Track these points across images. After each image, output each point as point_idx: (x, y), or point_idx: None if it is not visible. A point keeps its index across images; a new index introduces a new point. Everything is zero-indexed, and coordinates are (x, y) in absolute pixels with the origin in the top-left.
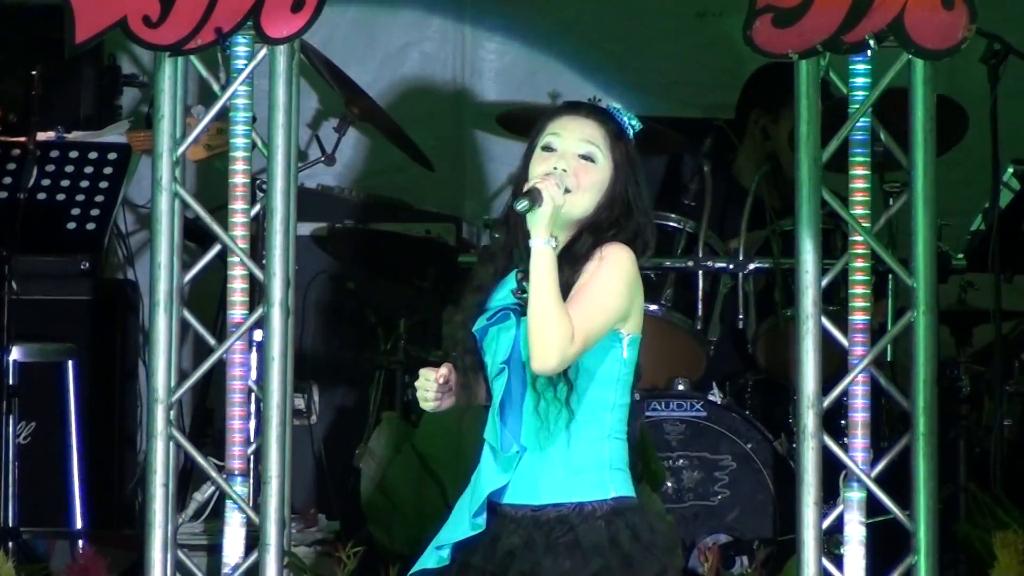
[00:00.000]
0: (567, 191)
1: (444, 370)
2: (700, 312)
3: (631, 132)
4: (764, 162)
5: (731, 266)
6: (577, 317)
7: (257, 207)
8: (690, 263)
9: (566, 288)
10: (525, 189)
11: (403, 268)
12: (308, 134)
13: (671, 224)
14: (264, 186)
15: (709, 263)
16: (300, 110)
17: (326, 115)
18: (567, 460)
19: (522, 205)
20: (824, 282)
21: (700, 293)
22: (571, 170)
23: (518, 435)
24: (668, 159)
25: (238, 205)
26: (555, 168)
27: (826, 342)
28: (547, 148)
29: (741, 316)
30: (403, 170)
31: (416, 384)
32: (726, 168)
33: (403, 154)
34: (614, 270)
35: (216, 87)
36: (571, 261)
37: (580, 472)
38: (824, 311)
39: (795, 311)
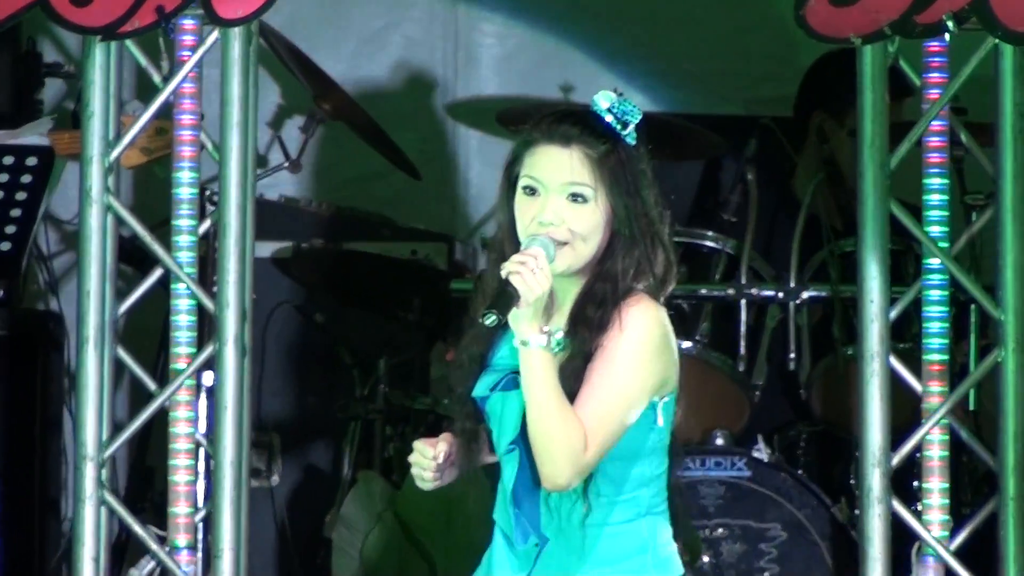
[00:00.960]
0: (562, 244)
1: (444, 445)
2: (743, 350)
3: (630, 129)
4: (820, 169)
5: (780, 294)
6: (591, 419)
7: (207, 223)
8: (731, 291)
9: (582, 361)
10: (497, 281)
11: (383, 297)
12: (269, 135)
13: (708, 244)
14: (215, 198)
15: (754, 291)
16: (259, 106)
17: (290, 112)
18: (599, 549)
19: (490, 320)
20: (893, 314)
21: (743, 327)
22: (560, 218)
23: (537, 524)
24: (704, 165)
25: (184, 221)
26: (540, 224)
27: (896, 386)
28: (528, 189)
29: (792, 355)
30: (383, 178)
31: (411, 460)
32: (776, 176)
33: (383, 159)
34: (635, 341)
35: (157, 78)
36: (585, 326)
37: (616, 561)
38: (893, 349)
39: (858, 349)
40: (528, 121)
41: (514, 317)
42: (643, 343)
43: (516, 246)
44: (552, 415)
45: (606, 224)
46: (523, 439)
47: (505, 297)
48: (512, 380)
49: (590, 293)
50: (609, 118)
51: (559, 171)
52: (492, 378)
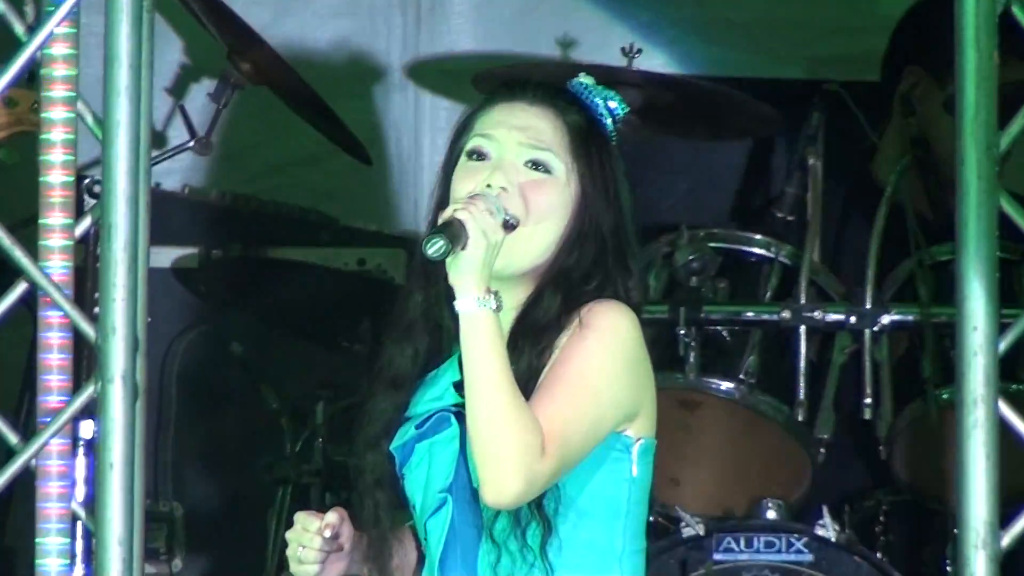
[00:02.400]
0: (511, 223)
1: (332, 517)
2: (802, 394)
3: (609, 121)
4: (906, 151)
5: (853, 319)
6: (551, 418)
7: (86, 222)
8: (786, 314)
9: (529, 377)
10: (440, 221)
11: (321, 321)
12: (169, 104)
13: (755, 251)
14: (97, 188)
15: (817, 314)
16: (156, 66)
17: (197, 75)
18: None
19: (435, 247)
20: (1003, 346)
21: (802, 363)
22: (515, 187)
23: None
24: (751, 146)
25: (55, 219)
26: (488, 187)
27: (1007, 441)
28: (475, 154)
29: (868, 400)
30: (321, 163)
31: (288, 537)
32: (847, 161)
33: (321, 137)
34: (606, 339)
35: (19, 28)
36: (533, 334)
37: None
38: (1003, 392)
39: (956, 392)
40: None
41: (456, 268)
42: (615, 342)
43: None
44: (502, 403)
45: (570, 214)
46: (454, 490)
47: (450, 230)
48: (441, 420)
49: (539, 296)
50: (589, 96)
51: (518, 124)
52: (414, 422)
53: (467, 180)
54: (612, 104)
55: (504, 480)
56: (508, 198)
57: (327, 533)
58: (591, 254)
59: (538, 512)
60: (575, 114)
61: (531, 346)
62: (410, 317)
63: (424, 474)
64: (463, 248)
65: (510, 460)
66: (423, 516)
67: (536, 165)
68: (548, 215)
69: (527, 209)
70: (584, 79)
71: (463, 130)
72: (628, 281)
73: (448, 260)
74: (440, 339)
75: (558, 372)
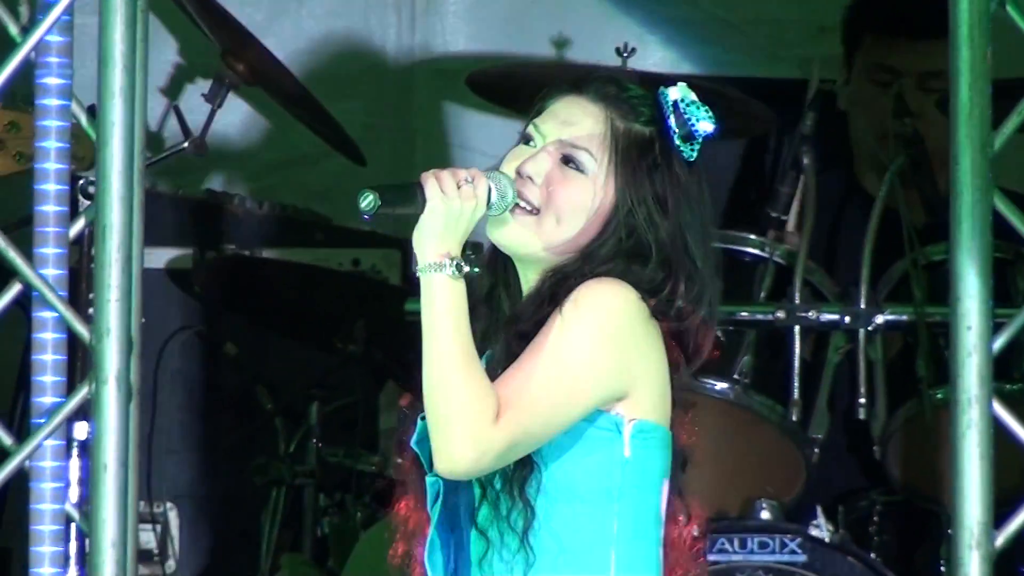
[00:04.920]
0: (524, 208)
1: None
2: (796, 394)
3: (682, 137)
4: (900, 150)
5: (847, 318)
6: (509, 386)
7: (80, 223)
8: (781, 314)
9: (507, 359)
10: (401, 182)
11: (316, 322)
12: (163, 105)
13: (749, 251)
14: (92, 189)
15: (811, 314)
16: (151, 67)
17: (192, 75)
18: None
19: (365, 200)
20: (997, 345)
21: (797, 363)
22: (541, 178)
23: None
24: (745, 145)
25: (49, 220)
26: (518, 175)
27: (1001, 441)
28: (524, 139)
29: (863, 400)
30: (317, 164)
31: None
32: (841, 161)
33: (317, 138)
34: (587, 314)
35: (13, 29)
36: (515, 317)
37: None
38: (997, 392)
39: (950, 391)
40: (510, 89)
41: (416, 231)
42: (599, 317)
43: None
44: (451, 368)
45: (598, 216)
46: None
47: (401, 189)
48: None
49: (552, 269)
50: (670, 113)
51: (563, 123)
52: None
53: (510, 161)
54: (702, 125)
55: (453, 447)
56: (530, 187)
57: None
58: (610, 257)
59: (520, 495)
60: (637, 123)
61: (509, 328)
62: (475, 299)
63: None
64: (418, 210)
65: (458, 426)
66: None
67: (568, 161)
68: (566, 211)
69: (547, 201)
70: (682, 91)
71: (534, 113)
72: (690, 294)
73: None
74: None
75: (531, 347)
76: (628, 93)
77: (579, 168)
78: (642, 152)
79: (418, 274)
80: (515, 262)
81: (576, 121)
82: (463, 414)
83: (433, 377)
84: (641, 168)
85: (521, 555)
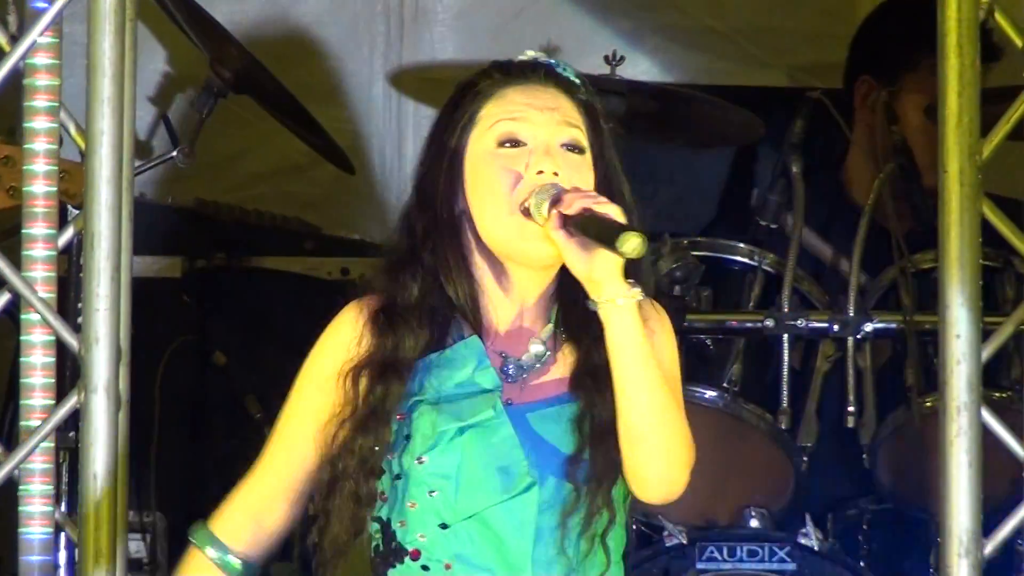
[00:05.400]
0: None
1: None
2: (785, 402)
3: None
4: (888, 160)
5: (836, 327)
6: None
7: (69, 232)
8: (769, 322)
9: (596, 367)
10: (607, 216)
11: (305, 331)
12: (151, 113)
13: (738, 260)
14: (80, 198)
15: (800, 322)
16: (139, 75)
17: (181, 83)
18: None
19: (641, 245)
20: (986, 353)
21: (785, 371)
22: (562, 171)
23: None
24: (734, 154)
25: (38, 229)
26: (540, 172)
27: (990, 449)
28: (508, 142)
29: (852, 408)
30: (305, 172)
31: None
32: (830, 169)
33: (304, 146)
34: (673, 346)
35: (2, 38)
36: (585, 324)
37: None
38: (986, 399)
39: (939, 399)
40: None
41: (604, 263)
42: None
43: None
44: (666, 395)
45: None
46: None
47: (629, 230)
48: (481, 402)
49: (573, 285)
50: (571, 72)
51: (548, 109)
52: (442, 407)
53: (507, 170)
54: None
55: (675, 474)
56: (560, 183)
57: None
58: None
59: (607, 501)
60: (581, 91)
61: (590, 338)
62: (408, 306)
63: (459, 457)
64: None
65: (681, 454)
66: (457, 499)
67: (572, 147)
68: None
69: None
70: (551, 58)
71: (470, 119)
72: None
73: (579, 256)
74: (434, 326)
75: (666, 373)
76: (554, 69)
77: (580, 150)
78: (599, 116)
79: (616, 303)
80: (526, 269)
81: (556, 104)
82: (685, 443)
83: (656, 404)
84: (603, 131)
85: (599, 556)
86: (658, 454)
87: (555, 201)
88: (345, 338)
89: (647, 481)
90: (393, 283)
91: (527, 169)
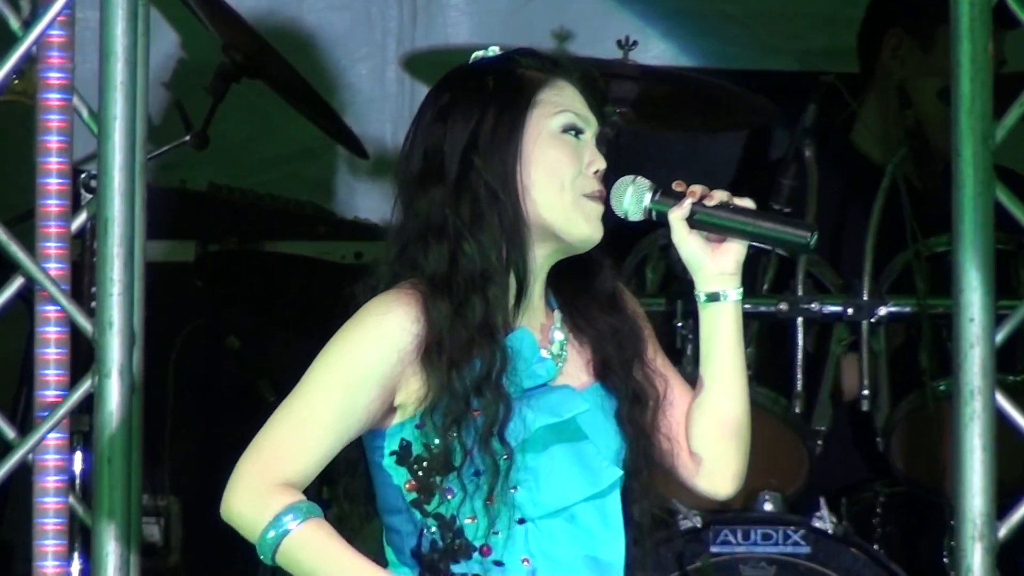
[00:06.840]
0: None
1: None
2: (799, 386)
3: None
4: (902, 141)
5: (850, 310)
6: None
7: (82, 217)
8: (783, 306)
9: (610, 362)
10: (737, 202)
11: (318, 315)
12: (165, 98)
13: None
14: (93, 183)
15: (814, 306)
16: (152, 60)
17: (193, 68)
18: None
19: (811, 237)
20: (1000, 337)
21: (799, 355)
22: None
23: None
24: (747, 137)
25: (52, 210)
26: (597, 172)
27: (1004, 433)
28: (572, 130)
29: (866, 392)
30: (318, 157)
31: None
32: (840, 132)
33: (317, 131)
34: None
35: (14, 23)
36: (588, 318)
37: None
38: (1000, 383)
39: (953, 383)
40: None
41: (735, 255)
42: None
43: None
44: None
45: None
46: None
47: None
48: (569, 396)
49: (600, 266)
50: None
51: (591, 108)
52: (569, 394)
53: (572, 158)
54: None
55: (744, 471)
56: (600, 184)
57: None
58: None
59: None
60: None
61: (594, 329)
62: (492, 271)
63: (548, 453)
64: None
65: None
66: (540, 495)
67: (600, 144)
68: None
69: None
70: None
71: (527, 100)
72: None
73: (702, 248)
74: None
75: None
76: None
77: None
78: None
79: (734, 300)
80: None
81: (594, 103)
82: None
83: (746, 404)
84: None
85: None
86: (748, 446)
87: (678, 195)
88: (407, 324)
89: (737, 475)
90: (438, 260)
91: (586, 162)
